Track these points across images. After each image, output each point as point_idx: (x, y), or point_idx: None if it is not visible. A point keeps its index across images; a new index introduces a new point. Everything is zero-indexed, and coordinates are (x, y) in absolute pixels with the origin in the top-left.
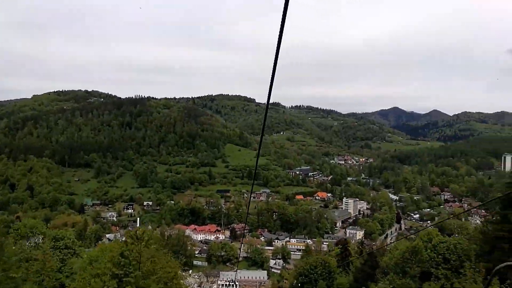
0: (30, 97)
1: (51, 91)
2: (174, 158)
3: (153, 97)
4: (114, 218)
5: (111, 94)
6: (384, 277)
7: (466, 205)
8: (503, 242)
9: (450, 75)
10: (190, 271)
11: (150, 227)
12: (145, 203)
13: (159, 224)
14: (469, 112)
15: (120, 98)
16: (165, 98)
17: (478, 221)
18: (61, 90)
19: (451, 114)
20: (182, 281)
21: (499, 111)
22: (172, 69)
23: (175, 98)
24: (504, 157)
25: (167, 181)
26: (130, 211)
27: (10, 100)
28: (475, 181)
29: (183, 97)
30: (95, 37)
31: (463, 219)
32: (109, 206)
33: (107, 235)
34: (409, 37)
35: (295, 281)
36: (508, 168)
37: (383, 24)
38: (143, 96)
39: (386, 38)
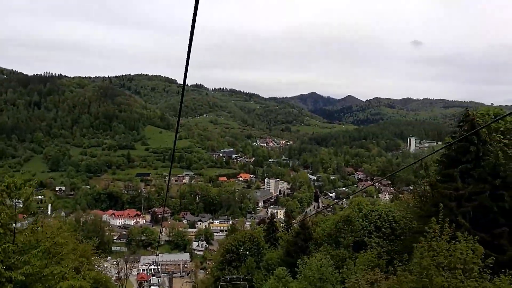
0: None
1: None
2: (89, 140)
3: (65, 75)
4: (21, 205)
5: (15, 71)
6: (317, 248)
7: (377, 183)
8: (449, 200)
9: (363, 64)
10: (109, 257)
11: (63, 213)
12: (57, 188)
13: (74, 210)
14: (380, 98)
15: (27, 75)
16: (79, 77)
17: (387, 197)
18: None
19: (364, 100)
20: (96, 266)
21: (405, 97)
22: (87, 48)
23: (90, 78)
24: (409, 139)
25: (81, 165)
26: (40, 197)
27: None
28: (385, 161)
29: (98, 76)
30: None
31: (375, 197)
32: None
33: (13, 225)
34: (325, 27)
35: (222, 258)
36: (412, 148)
37: (303, 14)
38: (53, 73)
39: (305, 27)
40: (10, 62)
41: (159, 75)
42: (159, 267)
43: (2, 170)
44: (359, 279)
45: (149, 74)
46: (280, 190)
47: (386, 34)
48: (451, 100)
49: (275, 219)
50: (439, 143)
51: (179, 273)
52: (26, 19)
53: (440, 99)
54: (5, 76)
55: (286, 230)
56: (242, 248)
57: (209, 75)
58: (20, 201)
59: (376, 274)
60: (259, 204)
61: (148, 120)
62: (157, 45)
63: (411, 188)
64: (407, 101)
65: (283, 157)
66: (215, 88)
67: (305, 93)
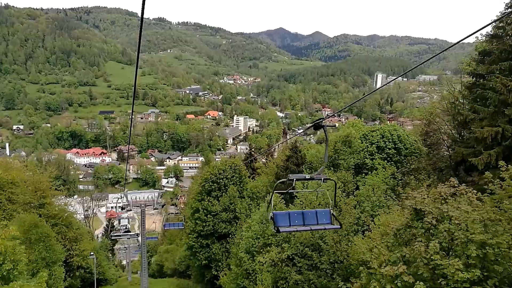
0: None
1: None
2: (46, 77)
3: (12, 6)
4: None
5: None
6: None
7: (344, 119)
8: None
9: None
10: (76, 196)
11: (23, 153)
12: (14, 127)
13: (34, 149)
14: (347, 35)
15: None
16: (29, 8)
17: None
18: None
19: (331, 36)
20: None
21: (372, 34)
22: None
23: (41, 9)
24: (376, 75)
25: (39, 102)
26: None
27: None
28: (352, 97)
29: (51, 8)
30: None
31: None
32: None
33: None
34: None
35: (200, 189)
36: (379, 84)
37: None
38: None
39: None
40: None
41: (119, 8)
42: (128, 203)
43: None
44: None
45: (108, 7)
46: (249, 128)
47: None
48: (416, 37)
49: (253, 149)
50: (405, 80)
51: (146, 208)
52: None
53: (406, 36)
54: None
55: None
56: (223, 176)
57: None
58: None
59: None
60: (228, 142)
61: (109, 56)
62: None
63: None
64: (374, 37)
65: (251, 94)
66: (178, 22)
67: (273, 29)
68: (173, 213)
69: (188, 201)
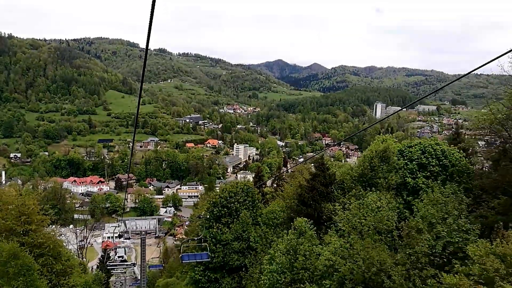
0: None
1: None
2: (46, 105)
3: (15, 36)
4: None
5: None
6: (345, 193)
7: (344, 148)
8: None
9: (327, 31)
10: (71, 225)
11: (19, 181)
12: (12, 155)
13: (31, 177)
14: (345, 66)
15: None
16: (32, 39)
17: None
18: None
19: (329, 68)
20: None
21: (370, 65)
22: (40, 8)
23: (45, 40)
24: (376, 105)
25: (38, 130)
26: None
27: None
28: (352, 126)
29: (54, 39)
30: None
31: (343, 161)
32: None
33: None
34: None
35: (208, 215)
36: (378, 114)
37: None
38: (2, 33)
39: None
40: None
41: (121, 39)
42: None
43: None
44: None
45: (110, 38)
46: (249, 156)
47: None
48: (413, 68)
49: (261, 173)
50: (403, 110)
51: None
52: None
53: (403, 68)
54: None
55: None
56: (234, 200)
57: (172, 39)
58: None
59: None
60: (228, 170)
61: (109, 85)
62: (117, 8)
63: None
64: (371, 69)
65: (251, 123)
66: (179, 53)
67: (272, 60)
68: (194, 239)
69: (193, 229)
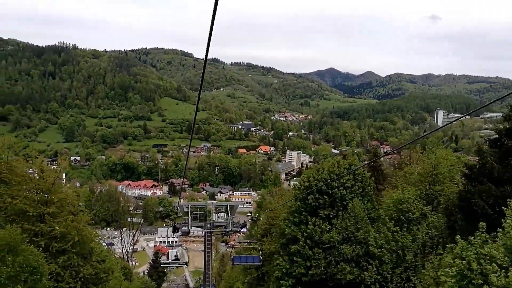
0: None
1: None
2: (105, 111)
3: (79, 47)
4: (36, 175)
5: (31, 44)
6: None
7: (405, 156)
8: None
9: (381, 39)
10: (124, 228)
11: (78, 183)
12: (72, 158)
13: (88, 180)
14: (401, 73)
15: (42, 46)
16: (93, 49)
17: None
18: None
19: (383, 75)
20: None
21: (427, 73)
22: (101, 22)
23: (105, 51)
24: (437, 112)
25: (97, 135)
26: (54, 167)
27: None
28: (411, 134)
29: (114, 50)
30: None
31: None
32: (30, 162)
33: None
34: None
35: (295, 207)
36: (440, 121)
37: None
38: (67, 44)
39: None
40: (27, 36)
41: (175, 49)
42: (177, 240)
43: (17, 139)
44: None
45: (165, 48)
46: (302, 163)
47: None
48: (475, 75)
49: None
50: (468, 117)
51: (196, 244)
52: None
53: (463, 75)
54: (21, 49)
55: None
56: (338, 184)
57: (225, 51)
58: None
59: None
60: (281, 177)
61: (164, 92)
62: (173, 20)
63: None
64: (428, 76)
65: (303, 131)
66: (232, 62)
67: (323, 69)
68: (246, 242)
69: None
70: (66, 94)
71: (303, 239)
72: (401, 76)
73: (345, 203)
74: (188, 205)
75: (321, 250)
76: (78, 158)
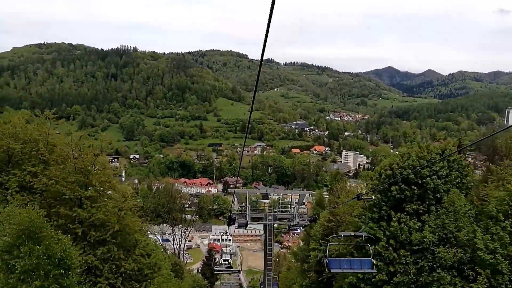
0: (9, 50)
1: (32, 43)
2: (163, 111)
3: (139, 49)
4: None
5: (97, 48)
6: None
7: (470, 158)
8: None
9: (443, 35)
10: (180, 225)
11: (136, 180)
12: (131, 156)
13: (147, 177)
14: (465, 72)
15: (105, 50)
16: (152, 51)
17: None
18: (43, 42)
19: (446, 74)
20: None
21: (494, 70)
22: (158, 27)
23: (163, 53)
24: (508, 111)
25: (155, 134)
26: (115, 164)
27: None
28: (478, 135)
29: (172, 52)
30: None
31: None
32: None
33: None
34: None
35: (375, 199)
36: (511, 121)
37: None
38: (129, 47)
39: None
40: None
41: (231, 51)
42: (230, 238)
43: (84, 136)
44: None
45: (221, 50)
46: (359, 164)
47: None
48: None
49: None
50: None
51: (249, 243)
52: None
53: None
54: (88, 53)
55: None
56: (430, 173)
57: (280, 51)
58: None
59: None
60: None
61: (220, 92)
62: (228, 22)
63: None
64: (496, 74)
65: (360, 131)
66: (286, 63)
67: (381, 68)
68: (351, 234)
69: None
70: (126, 94)
71: (384, 238)
72: (465, 74)
73: (438, 195)
74: (246, 193)
75: (409, 253)
76: (137, 156)
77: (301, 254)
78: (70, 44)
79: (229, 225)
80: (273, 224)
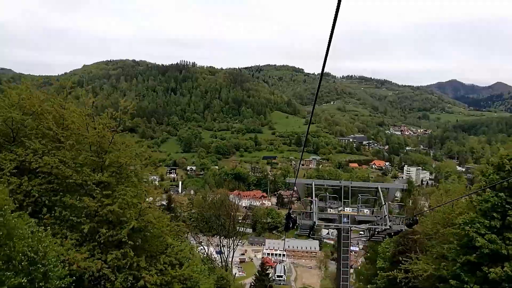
0: (80, 67)
1: (100, 60)
2: (219, 124)
3: (197, 65)
4: (156, 182)
5: (157, 64)
6: None
7: None
8: None
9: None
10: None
11: (192, 191)
12: (188, 167)
13: (202, 188)
14: None
15: (166, 65)
16: (210, 67)
17: None
18: (109, 59)
19: None
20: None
21: None
22: (216, 43)
23: (221, 68)
24: None
25: (211, 147)
26: (173, 175)
27: (66, 73)
28: None
29: (229, 68)
30: (135, 12)
31: None
32: (152, 170)
33: (147, 199)
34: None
35: (495, 196)
36: None
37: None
38: (188, 62)
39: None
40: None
41: (286, 65)
42: (284, 254)
43: (143, 149)
44: None
45: (277, 64)
46: (422, 180)
47: None
48: None
49: None
50: None
51: (304, 260)
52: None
53: None
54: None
55: None
56: None
57: (336, 64)
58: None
59: None
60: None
61: (275, 106)
62: (284, 36)
63: None
64: None
65: (422, 146)
66: (343, 76)
67: (444, 81)
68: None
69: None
70: (185, 108)
71: None
72: None
73: None
74: (312, 183)
75: None
76: (194, 168)
77: (365, 274)
78: (133, 61)
79: (287, 228)
80: (350, 228)
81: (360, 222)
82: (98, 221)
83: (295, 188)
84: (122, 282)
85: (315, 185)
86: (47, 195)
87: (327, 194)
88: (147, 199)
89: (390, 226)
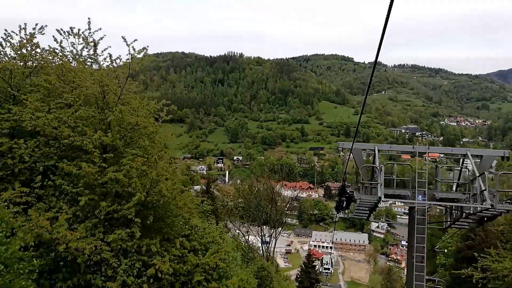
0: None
1: (151, 53)
2: (266, 115)
3: (245, 55)
4: (204, 172)
5: (205, 56)
6: None
7: None
8: None
9: None
10: (280, 228)
11: (239, 181)
12: (235, 157)
13: (248, 178)
14: None
15: (213, 56)
16: (258, 57)
17: None
18: (159, 52)
19: None
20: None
21: None
22: (264, 35)
23: (268, 59)
24: None
25: (257, 137)
26: (220, 165)
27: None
28: None
29: (276, 58)
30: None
31: None
32: (200, 160)
33: (195, 187)
34: None
35: None
36: None
37: None
38: (235, 53)
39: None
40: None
41: (335, 54)
42: (332, 246)
43: (192, 139)
44: None
45: (325, 54)
46: None
47: None
48: None
49: None
50: None
51: (352, 253)
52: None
53: None
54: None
55: None
56: None
57: (388, 53)
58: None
59: None
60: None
61: (323, 95)
62: (333, 27)
63: None
64: None
65: (480, 138)
66: (394, 65)
67: (506, 69)
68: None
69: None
70: (232, 99)
71: None
72: None
73: None
74: (375, 148)
75: None
76: (240, 158)
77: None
78: (183, 53)
79: (338, 208)
80: (426, 207)
81: (442, 200)
82: (101, 194)
83: (353, 156)
84: (128, 269)
85: (378, 150)
86: (42, 161)
87: (394, 163)
88: (164, 168)
89: (492, 205)
